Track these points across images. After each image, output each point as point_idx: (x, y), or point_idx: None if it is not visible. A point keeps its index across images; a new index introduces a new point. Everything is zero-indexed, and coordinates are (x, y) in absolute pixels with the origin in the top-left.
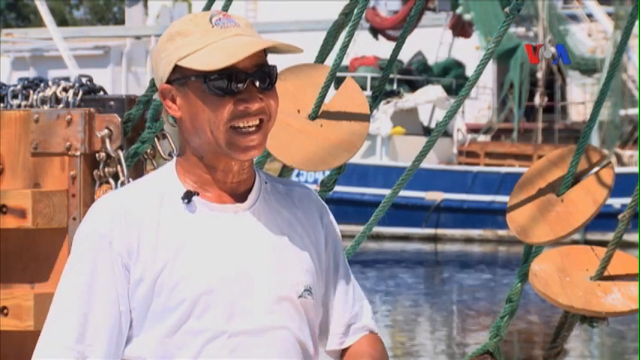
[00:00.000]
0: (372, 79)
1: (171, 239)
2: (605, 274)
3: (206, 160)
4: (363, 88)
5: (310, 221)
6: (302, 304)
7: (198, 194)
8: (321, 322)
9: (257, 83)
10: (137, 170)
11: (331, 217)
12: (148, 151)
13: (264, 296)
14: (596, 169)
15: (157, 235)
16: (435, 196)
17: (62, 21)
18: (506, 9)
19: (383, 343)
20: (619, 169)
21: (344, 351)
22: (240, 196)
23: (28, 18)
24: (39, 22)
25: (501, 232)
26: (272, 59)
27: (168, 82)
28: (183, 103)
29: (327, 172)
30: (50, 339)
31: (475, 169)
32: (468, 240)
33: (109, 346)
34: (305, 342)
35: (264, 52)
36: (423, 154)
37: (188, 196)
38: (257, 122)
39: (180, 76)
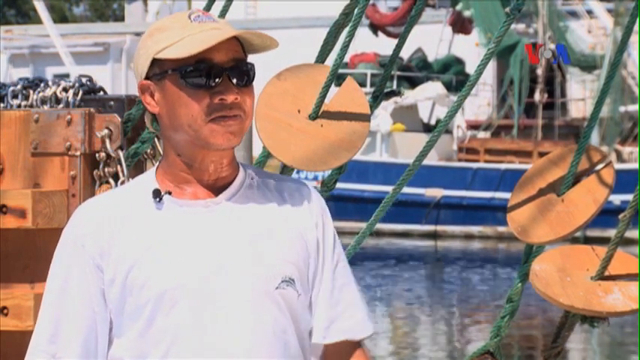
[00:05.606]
0: (372, 75)
1: (140, 238)
2: (606, 273)
3: (183, 157)
4: (363, 84)
5: (299, 215)
6: (280, 295)
7: (170, 193)
8: (313, 315)
9: (233, 79)
10: (137, 170)
11: (326, 214)
12: (148, 151)
13: (237, 289)
14: (596, 168)
15: (127, 235)
16: (435, 193)
17: (62, 17)
18: (507, 9)
19: None
20: (619, 166)
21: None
22: (216, 192)
23: (27, 15)
24: (38, 19)
25: (501, 229)
26: (270, 59)
27: (147, 77)
28: (161, 98)
29: (328, 172)
30: (31, 342)
31: (475, 165)
32: (468, 236)
33: (84, 347)
34: (285, 335)
35: (244, 51)
36: (423, 154)
37: (157, 195)
38: (234, 114)
39: (158, 70)
